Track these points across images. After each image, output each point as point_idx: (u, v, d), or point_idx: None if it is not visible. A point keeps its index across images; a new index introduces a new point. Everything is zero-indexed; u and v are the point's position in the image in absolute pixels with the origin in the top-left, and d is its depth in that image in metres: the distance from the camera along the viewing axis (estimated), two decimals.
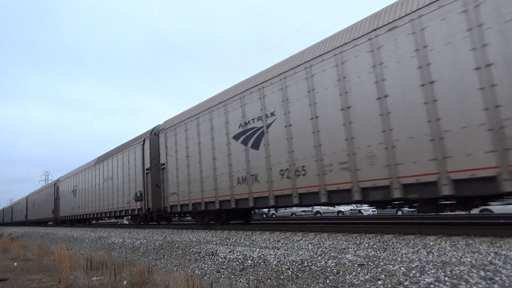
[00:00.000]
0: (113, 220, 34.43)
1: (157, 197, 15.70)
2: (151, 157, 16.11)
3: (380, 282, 5.00)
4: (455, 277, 4.56)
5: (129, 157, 18.49)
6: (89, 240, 16.90)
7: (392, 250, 6.13)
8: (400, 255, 5.86)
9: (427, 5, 6.73)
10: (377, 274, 5.24)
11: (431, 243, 5.97)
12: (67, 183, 30.49)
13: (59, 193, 32.71)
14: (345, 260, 6.04)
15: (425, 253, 5.67)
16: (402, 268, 5.19)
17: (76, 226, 28.64)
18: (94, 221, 30.01)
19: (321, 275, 5.82)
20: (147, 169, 16.42)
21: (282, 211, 31.28)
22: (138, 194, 16.93)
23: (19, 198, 60.07)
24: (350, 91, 7.93)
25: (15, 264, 10.54)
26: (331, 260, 6.20)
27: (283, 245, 8.06)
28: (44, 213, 37.12)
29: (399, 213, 27.69)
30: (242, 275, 6.93)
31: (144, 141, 16.98)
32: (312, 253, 6.86)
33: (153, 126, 16.77)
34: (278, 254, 7.23)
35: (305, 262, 6.44)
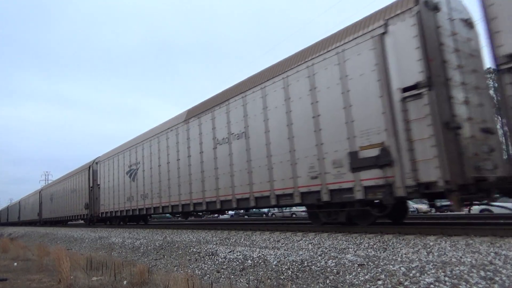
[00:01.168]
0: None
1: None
2: (425, 59, 6.80)
3: (380, 282, 5.01)
4: (455, 277, 4.56)
5: (309, 82, 9.03)
6: (89, 240, 16.89)
7: (392, 250, 6.13)
8: (400, 255, 5.86)
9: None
10: (377, 274, 5.24)
11: (431, 243, 5.97)
12: (115, 162, 20.81)
13: (98, 180, 23.24)
14: (345, 260, 6.04)
15: (425, 253, 5.67)
16: (402, 268, 5.19)
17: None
18: (153, 219, 19.76)
19: (321, 275, 5.82)
20: (404, 89, 7.08)
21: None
22: (378, 154, 7.46)
23: (19, 198, 57.34)
24: None
25: (15, 264, 10.54)
26: (331, 260, 6.20)
27: (283, 245, 8.06)
28: (70, 209, 27.88)
29: None
30: (242, 275, 6.93)
31: (387, 29, 7.44)
32: (312, 253, 6.86)
33: None
34: (278, 254, 7.23)
35: (305, 262, 6.44)
